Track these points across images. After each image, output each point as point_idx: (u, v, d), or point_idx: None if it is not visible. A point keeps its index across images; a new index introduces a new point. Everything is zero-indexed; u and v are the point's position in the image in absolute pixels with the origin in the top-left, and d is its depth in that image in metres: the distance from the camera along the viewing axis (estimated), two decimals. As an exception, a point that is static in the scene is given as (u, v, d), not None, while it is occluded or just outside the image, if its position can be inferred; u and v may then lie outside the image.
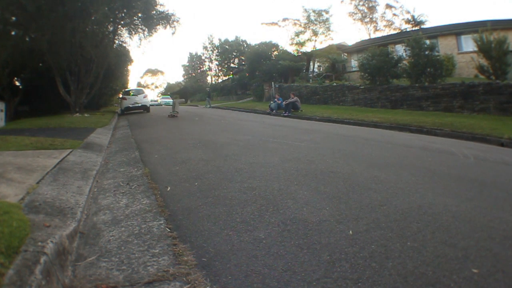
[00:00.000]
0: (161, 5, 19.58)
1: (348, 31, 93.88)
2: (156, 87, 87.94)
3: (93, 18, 16.32)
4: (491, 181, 4.37)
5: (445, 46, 26.35)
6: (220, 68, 64.08)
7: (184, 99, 22.67)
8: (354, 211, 2.92)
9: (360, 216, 2.79)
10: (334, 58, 31.79)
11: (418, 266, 2.01)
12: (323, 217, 2.73)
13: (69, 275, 2.15)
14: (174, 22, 19.21)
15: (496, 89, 15.20)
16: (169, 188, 3.90)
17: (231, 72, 57.41)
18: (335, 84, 23.86)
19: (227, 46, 62.09)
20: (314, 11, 35.33)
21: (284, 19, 38.19)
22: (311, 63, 35.33)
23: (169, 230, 2.71)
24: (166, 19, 19.08)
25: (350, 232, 2.48)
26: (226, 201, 3.28)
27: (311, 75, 33.23)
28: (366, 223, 2.63)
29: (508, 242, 2.41)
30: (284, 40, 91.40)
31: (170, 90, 60.95)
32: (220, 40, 64.51)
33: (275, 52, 39.82)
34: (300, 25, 36.25)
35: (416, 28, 34.47)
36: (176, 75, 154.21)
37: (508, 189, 3.97)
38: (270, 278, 1.92)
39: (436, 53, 20.34)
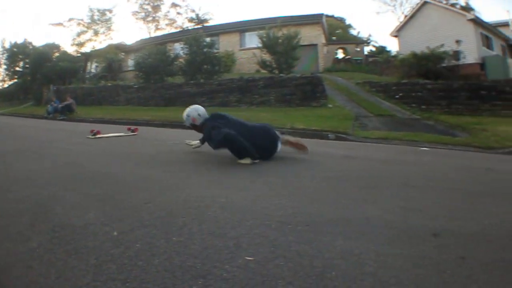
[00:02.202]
0: None
1: (131, 31, 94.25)
2: None
3: None
4: (268, 169, 4.50)
5: (227, 43, 27.43)
6: (7, 73, 58.09)
7: None
8: (119, 212, 2.82)
9: (125, 217, 2.70)
10: (111, 57, 31.27)
11: (186, 260, 1.97)
12: (89, 221, 2.63)
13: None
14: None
15: (279, 82, 16.05)
16: None
17: (16, 76, 52.85)
18: (109, 84, 23.53)
19: (15, 49, 56.40)
20: (98, 10, 35.39)
21: (70, 19, 37.92)
22: (89, 64, 34.71)
23: None
24: None
25: (115, 233, 2.38)
26: (3, 212, 2.90)
27: (88, 76, 32.59)
28: (130, 223, 2.55)
29: (286, 227, 2.39)
30: (68, 41, 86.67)
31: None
32: (11, 43, 58.45)
33: (57, 54, 37.93)
34: (84, 25, 36.24)
35: (199, 26, 35.87)
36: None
37: (284, 176, 4.10)
38: (46, 287, 1.82)
39: (216, 50, 21.12)
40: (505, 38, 29.42)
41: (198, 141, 5.57)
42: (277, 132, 5.24)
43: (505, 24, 31.47)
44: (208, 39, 20.62)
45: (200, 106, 5.13)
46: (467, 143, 9.13)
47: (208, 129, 4.82)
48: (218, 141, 4.65)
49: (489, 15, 77.83)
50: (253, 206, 2.85)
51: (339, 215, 2.68)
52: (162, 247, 2.16)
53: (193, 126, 5.06)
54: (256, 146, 4.63)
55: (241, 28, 28.31)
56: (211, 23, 38.94)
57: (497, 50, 27.40)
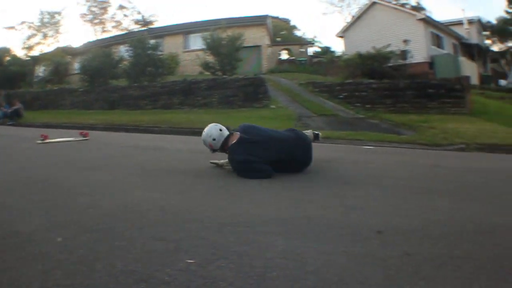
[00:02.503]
0: None
1: (79, 34, 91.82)
2: None
3: None
4: (207, 172, 4.52)
5: (171, 45, 27.20)
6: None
7: None
8: (63, 217, 2.79)
9: (68, 222, 2.67)
10: (58, 61, 30.54)
11: (128, 264, 1.95)
12: (36, 227, 2.60)
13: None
14: None
15: (222, 84, 16.06)
16: None
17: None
18: (56, 88, 23.00)
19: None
20: (49, 13, 34.90)
21: (22, 22, 37.08)
22: (37, 67, 33.88)
23: None
24: None
25: (59, 239, 2.36)
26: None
27: (35, 80, 31.79)
28: (74, 229, 2.53)
29: (226, 229, 2.38)
30: (19, 44, 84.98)
31: None
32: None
33: (8, 58, 36.72)
34: (34, 28, 35.60)
35: (145, 28, 35.82)
36: None
37: (223, 178, 4.12)
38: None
39: (160, 52, 20.97)
40: (457, 37, 30.23)
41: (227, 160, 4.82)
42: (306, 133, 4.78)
43: (460, 23, 32.32)
44: (152, 41, 20.52)
45: (215, 127, 4.41)
46: (413, 141, 9.30)
47: (230, 157, 4.33)
48: (238, 173, 4.20)
49: (445, 15, 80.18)
50: (193, 209, 2.89)
51: (280, 215, 2.71)
52: (105, 252, 2.18)
53: (214, 151, 4.44)
54: (291, 158, 4.20)
55: (185, 30, 28.27)
56: (156, 25, 38.95)
57: (448, 48, 28.10)
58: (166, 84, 17.37)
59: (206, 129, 4.37)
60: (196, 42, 24.62)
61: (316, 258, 1.95)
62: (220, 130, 4.23)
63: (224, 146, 4.25)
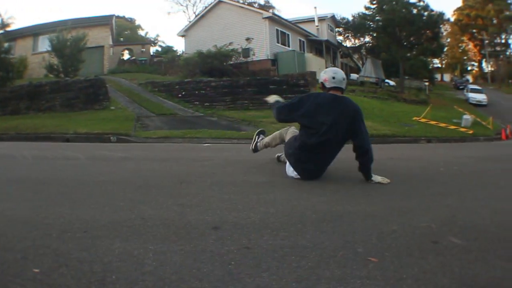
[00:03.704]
0: None
1: None
2: None
3: None
4: (50, 178, 4.29)
5: (22, 48, 25.76)
6: None
7: None
8: None
9: None
10: None
11: None
12: None
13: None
14: None
15: (64, 86, 15.52)
16: None
17: None
18: None
19: None
20: None
21: None
22: None
23: None
24: None
25: None
26: None
27: None
28: None
29: (66, 235, 2.34)
30: None
31: None
32: None
33: None
34: None
35: (2, 31, 32.86)
36: None
37: (66, 183, 3.93)
38: None
39: (12, 56, 19.65)
40: (305, 34, 32.00)
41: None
42: None
43: (311, 20, 34.67)
44: (6, 44, 18.70)
45: (341, 72, 4.18)
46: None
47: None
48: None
49: (306, 12, 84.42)
50: (35, 217, 2.78)
51: (116, 218, 2.67)
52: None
53: (322, 86, 4.15)
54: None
55: (35, 31, 26.77)
56: (12, 27, 36.32)
57: (294, 45, 29.53)
58: (14, 88, 16.35)
59: (334, 68, 4.42)
60: (45, 44, 23.39)
61: (153, 259, 1.97)
62: (333, 78, 4.00)
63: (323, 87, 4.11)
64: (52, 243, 2.23)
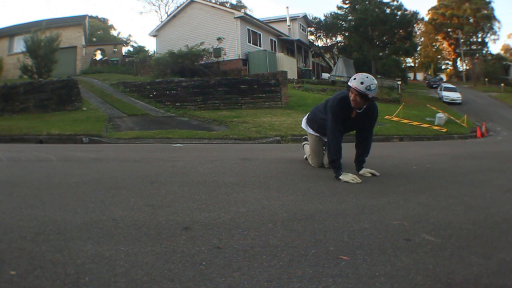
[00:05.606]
0: None
1: None
2: None
3: None
4: (22, 180, 4.18)
5: None
6: None
7: None
8: None
9: None
10: None
11: None
12: None
13: None
14: None
15: (38, 87, 15.40)
16: None
17: None
18: None
19: None
20: None
21: None
22: None
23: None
24: None
25: None
26: None
27: None
28: None
29: (40, 237, 2.31)
30: None
31: None
32: None
33: None
34: None
35: None
36: None
37: (39, 185, 3.84)
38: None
39: None
40: (277, 34, 32.23)
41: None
42: None
43: (283, 20, 35.00)
44: None
45: (374, 81, 4.04)
46: (225, 136, 9.90)
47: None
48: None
49: (279, 12, 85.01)
50: (10, 219, 2.76)
51: (87, 220, 2.68)
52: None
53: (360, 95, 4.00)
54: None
55: (11, 32, 26.55)
56: None
57: (266, 45, 29.77)
58: (-11, 90, 15.61)
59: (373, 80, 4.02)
60: (20, 45, 22.84)
61: (125, 260, 1.97)
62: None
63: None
64: (27, 245, 2.23)
